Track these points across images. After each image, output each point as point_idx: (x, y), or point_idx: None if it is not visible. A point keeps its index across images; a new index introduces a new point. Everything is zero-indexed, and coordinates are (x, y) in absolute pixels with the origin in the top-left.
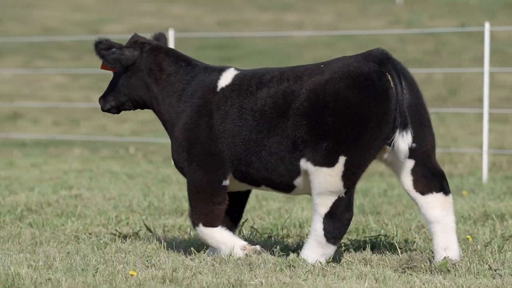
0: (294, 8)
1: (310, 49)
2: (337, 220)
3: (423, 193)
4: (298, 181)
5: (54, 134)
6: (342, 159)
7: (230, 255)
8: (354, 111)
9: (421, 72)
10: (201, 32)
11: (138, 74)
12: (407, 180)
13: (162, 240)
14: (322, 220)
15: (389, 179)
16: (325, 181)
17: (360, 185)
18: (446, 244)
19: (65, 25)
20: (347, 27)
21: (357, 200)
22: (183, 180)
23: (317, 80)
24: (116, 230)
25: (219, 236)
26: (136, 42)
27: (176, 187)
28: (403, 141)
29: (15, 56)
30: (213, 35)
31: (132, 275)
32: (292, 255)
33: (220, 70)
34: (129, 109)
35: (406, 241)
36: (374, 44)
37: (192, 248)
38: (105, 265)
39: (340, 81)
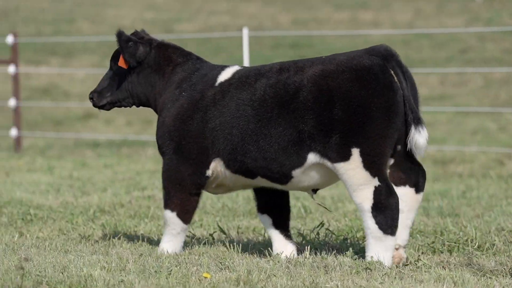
0: (370, 6)
1: None
2: (385, 209)
3: (396, 184)
4: (297, 172)
5: (127, 134)
6: (355, 151)
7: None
8: (358, 103)
9: (501, 72)
10: (276, 31)
11: (146, 71)
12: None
13: (236, 242)
14: (370, 215)
15: (467, 181)
16: (350, 176)
17: (438, 186)
18: (397, 236)
19: (137, 24)
20: (425, 26)
21: (435, 202)
22: None
23: (320, 72)
24: (190, 232)
25: (177, 233)
26: (143, 38)
27: None
28: (421, 136)
29: (87, 55)
30: (288, 33)
31: (205, 277)
32: (368, 258)
33: (224, 67)
34: (126, 106)
35: (485, 243)
36: (452, 43)
37: (266, 250)
38: (178, 267)
39: (342, 73)
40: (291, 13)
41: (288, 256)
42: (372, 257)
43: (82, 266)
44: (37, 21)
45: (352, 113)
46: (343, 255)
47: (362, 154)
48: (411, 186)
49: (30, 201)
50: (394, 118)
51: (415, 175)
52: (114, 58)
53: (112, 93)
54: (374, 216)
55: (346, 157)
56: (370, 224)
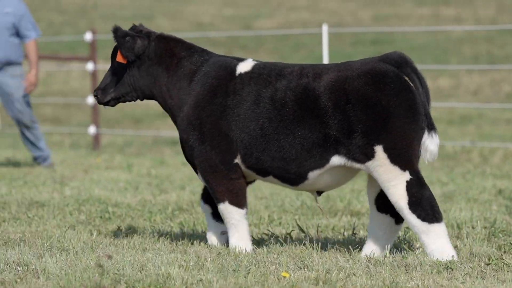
0: (452, 2)
1: (469, 44)
2: (421, 201)
3: (378, 209)
4: (315, 174)
5: None
6: (379, 148)
7: (235, 247)
8: (374, 102)
9: None
10: (356, 27)
11: (147, 64)
12: (372, 191)
13: (315, 241)
14: (409, 211)
15: None
16: (380, 173)
17: None
18: (367, 252)
19: (217, 21)
20: (509, 21)
21: None
22: None
23: (336, 78)
24: (268, 230)
25: (237, 220)
26: (141, 32)
27: None
28: (432, 142)
29: None
30: (368, 30)
31: (284, 276)
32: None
33: (239, 59)
34: (130, 100)
35: None
36: None
37: (346, 249)
38: (256, 266)
39: (358, 78)
40: (372, 9)
41: (367, 255)
42: (432, 250)
43: (160, 264)
44: (116, 17)
45: (370, 112)
46: (423, 255)
47: (386, 150)
48: (392, 216)
49: (109, 199)
50: (417, 116)
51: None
52: (114, 54)
53: (115, 89)
54: (414, 211)
55: (371, 155)
56: (412, 220)
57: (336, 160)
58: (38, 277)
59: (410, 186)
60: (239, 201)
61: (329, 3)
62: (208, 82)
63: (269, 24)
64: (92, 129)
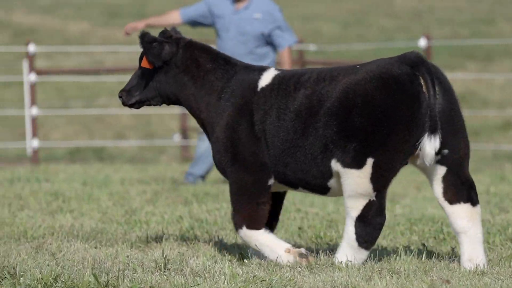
0: None
1: None
2: (369, 225)
3: (451, 202)
4: (332, 183)
5: None
6: (370, 161)
7: (275, 258)
8: (382, 113)
9: None
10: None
11: (174, 71)
12: (438, 187)
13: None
14: (353, 223)
15: None
16: (354, 183)
17: None
18: (471, 255)
19: None
20: None
21: None
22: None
23: (349, 81)
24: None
25: (262, 238)
26: (171, 37)
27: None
28: (430, 145)
29: (508, 59)
30: None
31: None
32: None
33: (261, 70)
34: (156, 105)
35: None
36: None
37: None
38: None
39: (370, 82)
40: None
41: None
42: (338, 258)
43: None
44: (453, 22)
45: (375, 122)
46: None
47: (374, 166)
48: (465, 201)
49: (443, 218)
50: (414, 132)
51: (466, 189)
52: (141, 58)
53: (140, 92)
54: (356, 226)
55: (360, 165)
56: (350, 231)
57: (334, 164)
58: None
59: (369, 206)
60: (258, 224)
61: None
62: (235, 102)
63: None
64: None
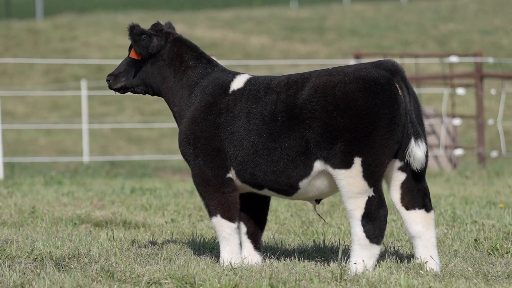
0: None
1: None
2: (375, 219)
3: (407, 208)
4: (304, 183)
5: None
6: (357, 160)
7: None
8: (364, 112)
9: None
10: None
11: (159, 63)
12: (396, 193)
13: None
14: (360, 223)
15: None
16: (348, 183)
17: None
18: (426, 258)
19: None
20: None
21: None
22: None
23: (326, 83)
24: None
25: (230, 235)
26: (161, 31)
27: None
28: (419, 149)
29: None
30: None
31: None
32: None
33: (235, 74)
34: (140, 93)
35: None
36: None
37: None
38: None
39: (350, 83)
40: None
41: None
42: (355, 263)
43: None
44: None
45: (358, 122)
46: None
47: (363, 164)
48: (420, 207)
49: None
50: (396, 129)
51: (421, 196)
52: (130, 48)
53: (126, 79)
54: (363, 225)
55: (348, 164)
56: (358, 231)
57: (318, 165)
58: None
59: (370, 202)
60: (231, 215)
61: None
62: (204, 99)
63: None
64: None
